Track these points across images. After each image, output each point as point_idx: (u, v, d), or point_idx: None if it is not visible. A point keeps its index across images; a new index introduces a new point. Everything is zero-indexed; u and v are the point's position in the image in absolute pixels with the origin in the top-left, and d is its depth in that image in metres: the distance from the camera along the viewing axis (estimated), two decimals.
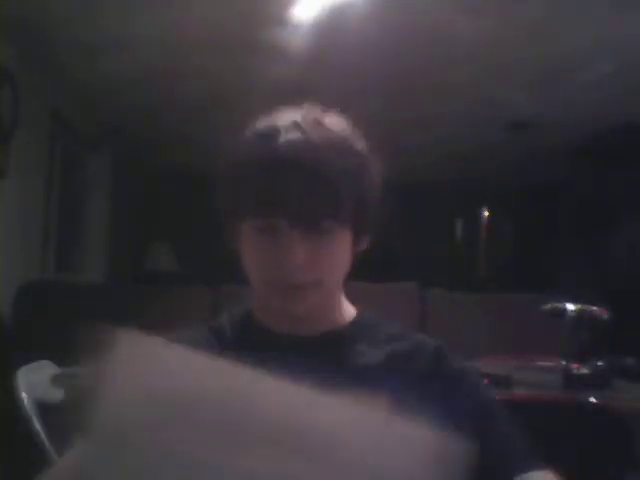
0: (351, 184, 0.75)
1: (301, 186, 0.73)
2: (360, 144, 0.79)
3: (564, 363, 1.93)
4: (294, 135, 0.74)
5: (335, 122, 0.78)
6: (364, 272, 1.11)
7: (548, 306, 2.03)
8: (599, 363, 1.91)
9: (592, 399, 1.69)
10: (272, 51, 3.07)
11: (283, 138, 0.74)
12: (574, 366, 1.89)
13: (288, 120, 0.76)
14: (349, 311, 0.88)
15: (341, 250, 0.78)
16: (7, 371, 1.62)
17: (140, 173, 5.52)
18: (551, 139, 4.42)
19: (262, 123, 0.78)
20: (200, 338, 0.82)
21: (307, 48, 3.02)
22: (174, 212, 5.67)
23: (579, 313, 1.93)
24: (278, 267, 0.74)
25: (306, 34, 2.88)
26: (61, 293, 3.25)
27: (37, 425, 1.52)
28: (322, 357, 0.79)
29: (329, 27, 2.81)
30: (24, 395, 1.56)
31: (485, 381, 1.72)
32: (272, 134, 0.75)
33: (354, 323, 0.87)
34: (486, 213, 6.23)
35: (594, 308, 1.94)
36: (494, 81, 3.46)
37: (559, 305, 1.99)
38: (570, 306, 1.95)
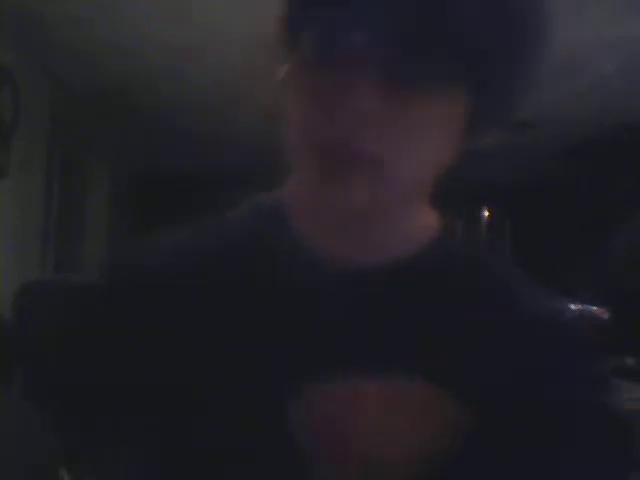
0: (500, 15, 0.46)
1: (395, 4, 0.44)
2: None
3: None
4: None
5: None
6: None
7: None
8: None
9: None
10: (272, 51, 3.07)
11: None
12: None
13: None
14: (429, 228, 0.59)
15: (445, 125, 0.49)
16: (7, 371, 1.62)
17: (140, 173, 5.52)
18: (551, 139, 4.41)
19: None
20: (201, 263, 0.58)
21: None
22: (174, 212, 5.67)
23: (579, 313, 1.93)
24: (329, 120, 0.46)
25: None
26: (61, 293, 3.23)
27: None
28: (387, 309, 0.53)
29: None
30: None
31: None
32: None
33: (436, 249, 0.57)
34: (486, 213, 6.23)
35: (594, 308, 1.94)
36: None
37: None
38: (570, 306, 1.95)
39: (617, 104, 3.67)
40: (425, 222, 0.59)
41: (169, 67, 3.38)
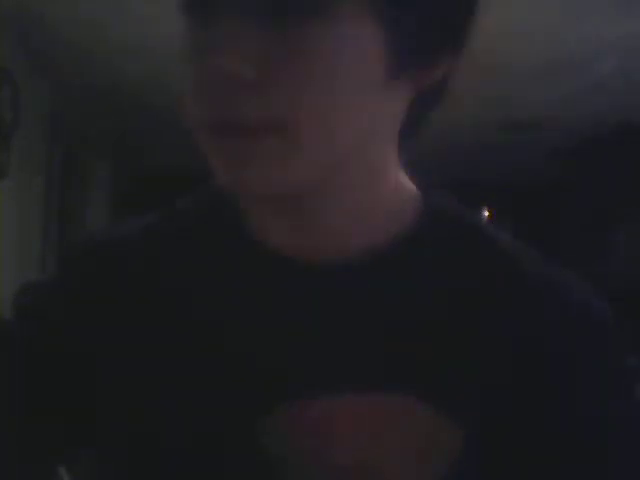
0: None
1: None
2: None
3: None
4: None
5: None
6: None
7: None
8: None
9: None
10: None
11: None
12: None
13: None
14: (405, 203, 0.47)
15: (347, 66, 0.37)
16: None
17: (140, 173, 5.51)
18: (551, 139, 4.41)
19: None
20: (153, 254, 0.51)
21: None
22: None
23: None
24: (209, 88, 0.38)
25: None
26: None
27: None
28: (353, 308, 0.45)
29: None
30: None
31: None
32: None
33: (420, 231, 0.46)
34: (486, 213, 6.23)
35: None
36: (494, 81, 3.46)
37: None
38: None
39: (617, 104, 3.67)
40: (398, 200, 0.47)
41: (169, 67, 3.38)
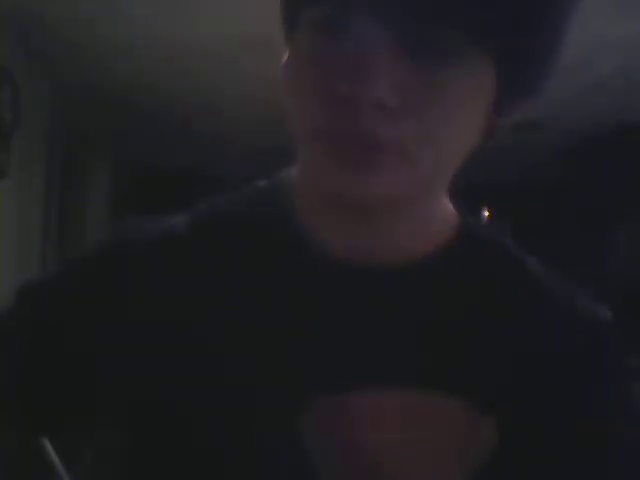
0: None
1: None
2: None
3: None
4: None
5: None
6: None
7: None
8: None
9: None
10: (271, 52, 3.07)
11: None
12: None
13: None
14: (448, 222, 0.52)
15: (468, 103, 0.43)
16: None
17: (140, 173, 5.51)
18: (551, 139, 4.42)
19: None
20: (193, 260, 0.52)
21: None
22: (174, 212, 5.67)
23: None
24: (346, 100, 0.40)
25: None
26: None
27: None
28: (402, 312, 0.48)
29: None
30: None
31: None
32: None
33: (460, 247, 0.51)
34: (486, 213, 6.23)
35: None
36: None
37: None
38: None
39: (617, 104, 3.67)
40: (444, 218, 0.52)
41: (169, 67, 3.38)
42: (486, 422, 0.45)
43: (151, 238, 0.54)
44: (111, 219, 4.81)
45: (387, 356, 0.46)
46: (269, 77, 3.53)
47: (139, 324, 0.50)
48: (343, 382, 0.46)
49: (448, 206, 0.53)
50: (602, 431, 0.47)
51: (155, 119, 4.33)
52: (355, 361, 0.46)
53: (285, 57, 0.46)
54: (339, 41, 0.40)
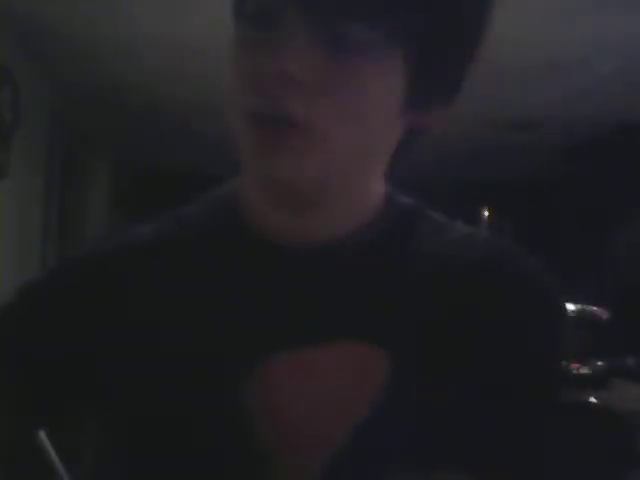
0: None
1: None
2: None
3: (564, 363, 1.93)
4: None
5: None
6: None
7: None
8: (599, 363, 1.91)
9: (592, 399, 1.69)
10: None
11: None
12: (574, 366, 1.89)
13: None
14: (375, 202, 0.57)
15: (377, 94, 0.47)
16: None
17: (140, 173, 5.52)
18: (551, 139, 4.42)
19: None
20: (168, 250, 0.58)
21: None
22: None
23: (579, 313, 1.93)
24: (261, 78, 0.45)
25: None
26: None
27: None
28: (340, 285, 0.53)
29: None
30: None
31: None
32: None
33: (386, 218, 0.56)
34: (486, 213, 6.23)
35: (594, 308, 1.94)
36: (494, 81, 3.46)
37: None
38: (570, 306, 1.95)
39: (617, 104, 3.67)
40: (372, 199, 0.57)
41: (169, 67, 3.38)
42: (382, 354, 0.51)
43: (138, 242, 0.60)
44: (111, 219, 4.82)
45: (319, 318, 0.52)
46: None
47: (132, 324, 0.55)
48: (282, 344, 0.52)
49: (379, 190, 0.57)
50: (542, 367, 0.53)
51: (155, 119, 4.33)
52: (295, 324, 0.52)
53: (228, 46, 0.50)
54: (263, 29, 0.46)
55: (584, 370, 1.88)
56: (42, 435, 0.56)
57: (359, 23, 0.44)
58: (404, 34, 0.45)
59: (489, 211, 6.27)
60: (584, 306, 1.95)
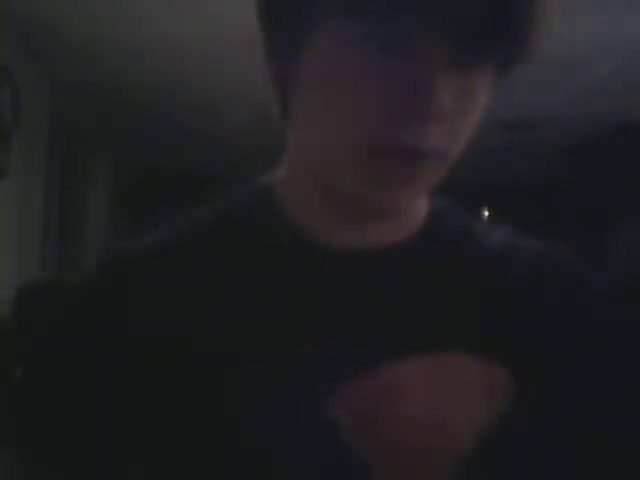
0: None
1: None
2: None
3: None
4: None
5: None
6: None
7: None
8: None
9: None
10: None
11: None
12: None
13: None
14: (422, 209, 0.56)
15: (480, 109, 0.47)
16: (7, 371, 1.62)
17: (140, 173, 5.52)
18: (551, 139, 4.42)
19: None
20: (188, 256, 0.53)
21: None
22: (174, 212, 5.67)
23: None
24: (397, 110, 0.41)
25: None
26: (61, 293, 3.24)
27: None
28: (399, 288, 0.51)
29: None
30: None
31: None
32: None
33: (434, 226, 0.55)
34: (486, 213, 6.23)
35: None
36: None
37: None
38: None
39: (617, 104, 3.67)
40: (420, 206, 0.55)
41: (169, 67, 3.38)
42: (501, 373, 0.49)
43: (149, 252, 0.55)
44: (111, 219, 4.81)
45: (395, 329, 0.49)
46: (269, 77, 3.53)
47: (150, 335, 0.49)
48: (356, 366, 0.47)
49: (422, 202, 0.55)
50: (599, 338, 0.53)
51: (155, 119, 4.33)
52: (365, 341, 0.48)
53: (311, 67, 0.45)
54: (391, 56, 0.41)
55: None
56: None
57: (489, 47, 0.42)
58: (502, 52, 0.44)
59: (489, 211, 6.27)
60: None
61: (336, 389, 0.47)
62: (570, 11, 2.62)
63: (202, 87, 3.63)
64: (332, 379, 0.47)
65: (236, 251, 0.52)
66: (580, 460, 0.49)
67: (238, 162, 4.80)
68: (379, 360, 0.47)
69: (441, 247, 0.53)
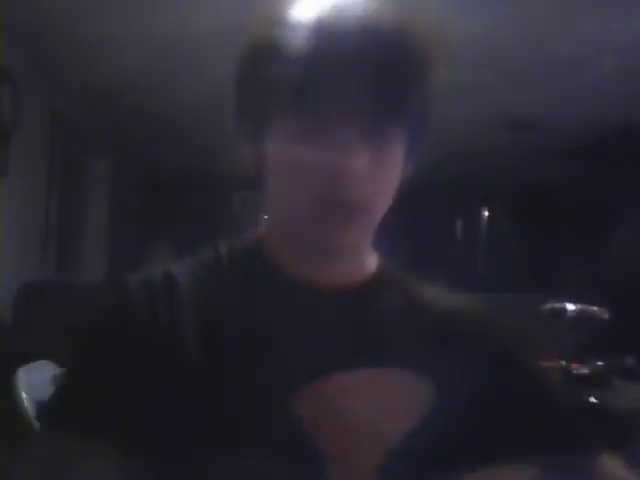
0: (417, 82, 0.59)
1: (365, 78, 0.55)
2: (422, 32, 0.63)
3: (564, 363, 1.93)
4: (348, 16, 0.61)
5: (395, 17, 0.63)
6: None
7: (548, 306, 2.03)
8: (599, 363, 1.91)
9: (592, 399, 1.69)
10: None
11: (335, 19, 0.61)
12: (574, 366, 1.89)
13: (341, 10, 0.63)
14: (372, 259, 0.72)
15: (396, 168, 0.62)
16: (7, 371, 1.62)
17: (140, 173, 5.52)
18: (551, 139, 4.42)
19: (308, 9, 0.65)
20: (193, 284, 0.65)
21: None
22: (174, 212, 5.67)
23: (579, 313, 1.93)
24: (329, 179, 0.57)
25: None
26: (61, 293, 3.24)
27: (37, 426, 1.52)
28: (352, 320, 0.66)
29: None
30: (24, 395, 1.56)
31: None
32: (326, 22, 0.62)
33: (381, 275, 0.71)
34: (486, 213, 6.23)
35: (594, 308, 1.94)
36: (494, 81, 3.46)
37: (559, 305, 1.98)
38: (570, 306, 1.95)
39: (617, 104, 3.67)
40: (370, 256, 0.72)
41: (169, 67, 3.39)
42: (426, 386, 0.64)
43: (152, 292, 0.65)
44: (111, 219, 4.82)
45: (347, 347, 0.64)
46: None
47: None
48: (316, 374, 0.62)
49: (371, 252, 0.72)
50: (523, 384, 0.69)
51: (155, 119, 4.33)
52: (328, 353, 0.63)
53: (267, 150, 0.62)
54: (321, 142, 0.58)
55: (584, 370, 1.88)
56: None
57: (400, 119, 0.59)
58: (411, 126, 0.61)
59: (489, 211, 6.27)
60: (584, 306, 1.95)
61: (300, 390, 0.61)
62: (570, 11, 2.63)
63: (202, 88, 3.63)
64: (298, 383, 0.61)
65: (232, 288, 0.66)
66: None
67: (238, 162, 4.80)
68: (334, 370, 0.62)
69: (385, 289, 0.69)
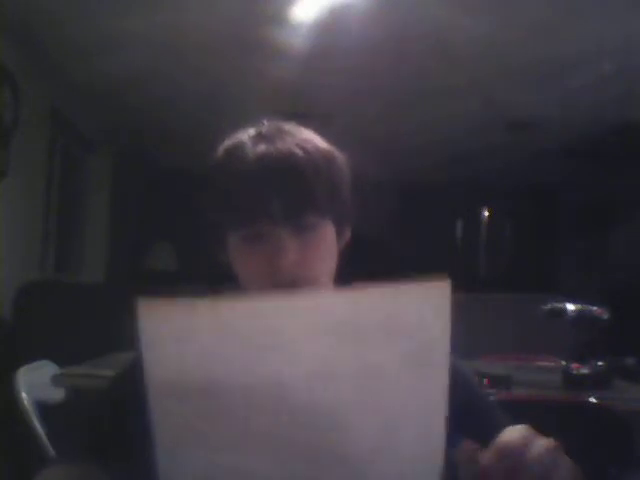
0: (324, 178, 0.80)
1: (278, 188, 0.78)
2: (322, 143, 0.84)
3: (564, 363, 1.93)
4: (261, 144, 0.80)
5: (295, 129, 0.84)
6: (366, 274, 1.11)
7: (548, 306, 2.03)
8: (599, 363, 1.90)
9: (592, 399, 1.69)
10: (272, 51, 3.07)
11: (251, 149, 0.81)
12: (574, 366, 1.89)
13: (252, 133, 0.84)
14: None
15: (327, 243, 0.82)
16: (7, 371, 1.62)
17: (140, 173, 5.52)
18: (551, 139, 4.42)
19: (228, 141, 0.86)
20: None
21: (307, 48, 3.02)
22: (174, 212, 5.67)
23: (579, 313, 1.93)
24: (272, 268, 0.77)
25: (306, 34, 2.88)
26: (61, 293, 3.24)
27: (37, 425, 1.52)
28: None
29: (329, 27, 2.81)
30: (24, 395, 1.56)
31: (485, 381, 1.72)
32: (239, 147, 0.82)
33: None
34: (486, 213, 6.23)
35: (594, 308, 1.94)
36: (494, 81, 3.46)
37: (559, 305, 1.98)
38: (570, 306, 1.95)
39: (617, 104, 3.67)
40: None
41: (170, 67, 3.39)
42: None
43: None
44: (111, 219, 4.82)
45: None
46: (270, 77, 3.54)
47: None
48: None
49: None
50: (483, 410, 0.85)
51: (155, 119, 4.33)
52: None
53: (229, 250, 0.82)
54: (260, 242, 0.77)
55: (584, 370, 1.88)
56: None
57: (315, 213, 0.78)
58: (332, 212, 0.81)
59: (489, 211, 6.28)
60: (584, 306, 1.95)
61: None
62: (570, 11, 2.63)
63: (203, 87, 3.63)
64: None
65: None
66: None
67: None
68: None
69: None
